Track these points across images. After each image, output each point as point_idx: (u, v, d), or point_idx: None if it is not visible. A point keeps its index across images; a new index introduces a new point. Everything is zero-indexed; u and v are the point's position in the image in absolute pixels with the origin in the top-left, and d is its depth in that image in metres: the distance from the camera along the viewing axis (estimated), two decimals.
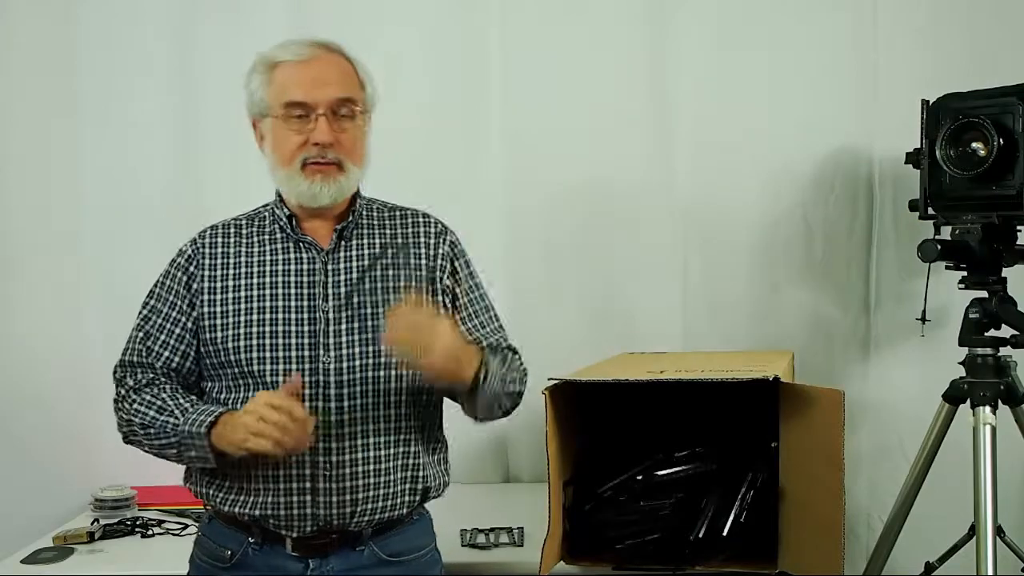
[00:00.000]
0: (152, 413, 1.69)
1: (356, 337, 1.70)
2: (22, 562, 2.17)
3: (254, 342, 1.69)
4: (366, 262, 1.75)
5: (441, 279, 1.79)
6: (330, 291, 1.72)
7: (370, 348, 1.70)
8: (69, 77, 2.68)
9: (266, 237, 1.77)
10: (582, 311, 2.71)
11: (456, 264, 1.82)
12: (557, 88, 2.67)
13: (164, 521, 2.40)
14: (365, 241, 1.77)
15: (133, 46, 2.69)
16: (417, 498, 1.76)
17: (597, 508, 2.06)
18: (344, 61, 1.76)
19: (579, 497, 2.07)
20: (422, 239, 1.80)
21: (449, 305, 1.79)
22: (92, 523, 2.34)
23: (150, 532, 2.35)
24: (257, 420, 1.56)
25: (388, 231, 1.80)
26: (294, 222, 1.76)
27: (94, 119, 2.70)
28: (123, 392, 1.75)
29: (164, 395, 1.71)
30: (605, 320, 2.69)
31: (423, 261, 1.78)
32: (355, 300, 1.71)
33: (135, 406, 1.71)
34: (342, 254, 1.75)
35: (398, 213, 1.83)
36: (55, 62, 2.66)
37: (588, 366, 2.22)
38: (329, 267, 1.73)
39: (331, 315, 1.71)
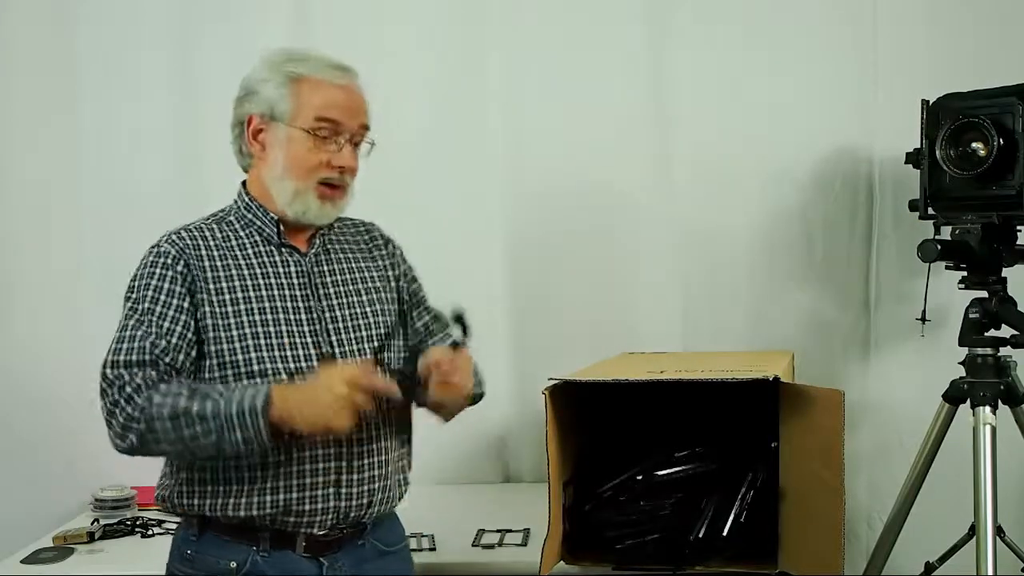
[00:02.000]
0: (183, 402, 1.58)
1: (352, 335, 1.76)
2: (22, 562, 2.17)
3: (261, 342, 1.69)
4: (344, 265, 1.82)
5: (399, 279, 1.89)
6: (321, 291, 1.77)
7: (367, 345, 1.77)
8: (69, 77, 2.68)
9: (246, 241, 1.76)
10: (582, 311, 2.70)
11: (406, 266, 1.93)
12: (557, 90, 2.67)
13: (164, 521, 2.39)
14: (336, 247, 1.84)
15: (133, 46, 2.69)
16: (404, 488, 1.82)
17: (597, 508, 2.06)
18: (361, 91, 1.81)
19: (579, 497, 2.07)
20: (379, 244, 1.90)
21: (409, 304, 1.89)
22: (92, 523, 2.35)
23: (150, 532, 2.35)
24: (340, 398, 1.56)
25: (351, 239, 1.87)
26: (280, 228, 1.77)
27: (94, 119, 2.70)
28: (128, 391, 1.61)
29: (190, 383, 1.64)
30: (605, 320, 2.69)
31: (386, 263, 1.88)
32: (341, 300, 1.78)
33: (156, 398, 1.59)
34: (323, 257, 1.80)
35: (349, 223, 1.90)
36: (55, 62, 2.66)
37: (588, 366, 2.22)
38: (315, 269, 1.78)
39: (327, 314, 1.75)
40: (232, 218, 1.79)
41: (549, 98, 2.68)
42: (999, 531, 2.10)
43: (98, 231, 2.70)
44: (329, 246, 1.82)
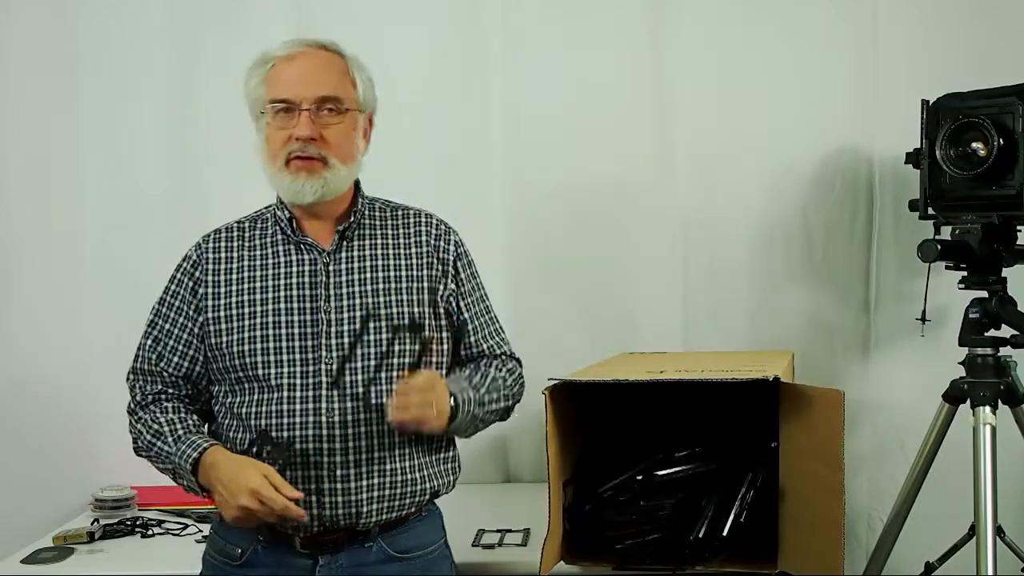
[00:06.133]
0: (149, 437, 1.72)
1: (358, 345, 1.70)
2: (22, 562, 2.17)
3: (257, 346, 1.70)
4: (368, 263, 1.75)
5: (445, 283, 1.80)
6: (332, 292, 1.72)
7: (372, 350, 1.70)
8: (70, 77, 2.68)
9: (268, 240, 1.78)
10: (582, 311, 2.70)
11: (459, 266, 1.82)
12: (557, 89, 2.67)
13: (164, 521, 2.40)
14: (367, 242, 1.77)
15: (134, 46, 2.69)
16: (425, 498, 1.76)
17: (597, 508, 2.06)
18: (336, 58, 1.76)
19: (579, 497, 2.07)
20: (424, 239, 1.80)
21: (454, 310, 1.81)
22: (92, 523, 2.34)
23: (150, 532, 2.35)
24: (241, 509, 1.58)
25: (390, 231, 1.80)
26: (294, 224, 1.76)
27: (94, 119, 2.70)
28: (132, 406, 1.78)
29: (162, 418, 1.73)
30: (605, 320, 2.69)
31: (424, 261, 1.79)
32: (354, 302, 1.72)
33: (139, 426, 1.75)
34: (343, 255, 1.75)
35: (400, 212, 1.84)
36: (56, 62, 2.66)
37: (588, 366, 2.22)
38: (331, 268, 1.74)
39: (333, 316, 1.71)
40: (267, 215, 1.81)
41: (549, 98, 2.67)
42: (999, 531, 2.10)
43: (98, 231, 2.70)
44: (357, 241, 1.76)
